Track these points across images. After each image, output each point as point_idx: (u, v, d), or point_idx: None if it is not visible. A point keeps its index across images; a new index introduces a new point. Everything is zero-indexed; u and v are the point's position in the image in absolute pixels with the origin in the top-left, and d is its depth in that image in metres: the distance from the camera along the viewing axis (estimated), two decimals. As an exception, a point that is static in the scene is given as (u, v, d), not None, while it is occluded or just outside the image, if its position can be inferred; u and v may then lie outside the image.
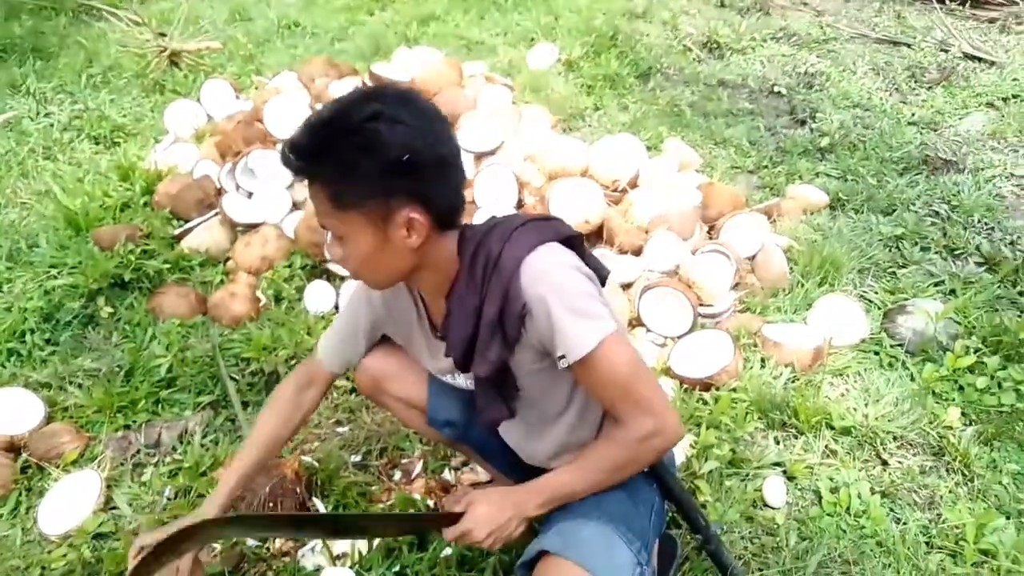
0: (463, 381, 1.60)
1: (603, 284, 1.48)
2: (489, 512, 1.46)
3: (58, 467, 2.19)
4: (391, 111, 1.24)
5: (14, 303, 2.60)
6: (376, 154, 1.24)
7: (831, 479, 2.10)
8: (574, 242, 1.44)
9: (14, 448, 2.23)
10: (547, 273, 1.34)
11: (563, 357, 1.34)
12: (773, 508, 2.03)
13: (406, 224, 1.30)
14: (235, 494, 1.69)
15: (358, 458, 2.27)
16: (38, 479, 2.18)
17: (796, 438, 2.24)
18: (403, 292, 1.58)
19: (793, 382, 2.38)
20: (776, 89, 4.45)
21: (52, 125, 3.65)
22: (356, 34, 4.80)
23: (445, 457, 2.25)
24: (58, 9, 5.00)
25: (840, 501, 2.01)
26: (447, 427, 1.83)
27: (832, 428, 2.24)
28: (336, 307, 2.79)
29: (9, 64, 4.18)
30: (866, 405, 2.32)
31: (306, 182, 1.32)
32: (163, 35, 4.24)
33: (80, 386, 2.42)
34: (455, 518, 1.47)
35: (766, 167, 3.71)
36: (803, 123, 4.13)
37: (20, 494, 2.14)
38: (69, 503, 2.09)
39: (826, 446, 2.20)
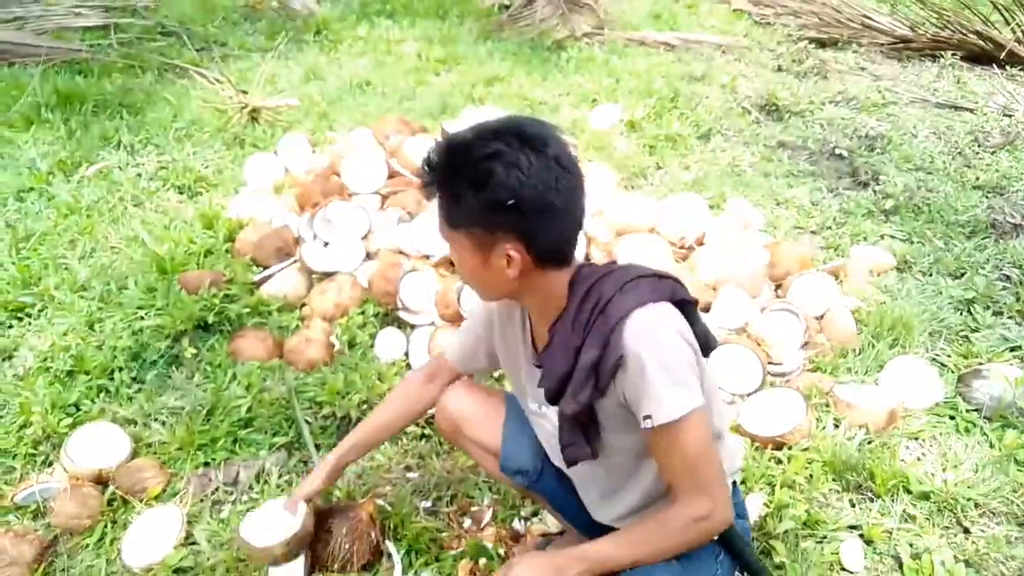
0: (551, 415, 1.61)
1: (707, 354, 1.50)
2: (529, 571, 1.45)
3: (142, 501, 2.26)
4: (511, 155, 1.31)
5: (105, 342, 2.72)
6: (482, 192, 1.32)
7: (911, 545, 2.05)
8: (687, 306, 1.46)
9: (102, 481, 2.32)
10: (651, 332, 1.36)
11: (648, 418, 1.36)
12: (851, 572, 1.99)
13: (505, 257, 1.37)
14: (346, 459, 1.94)
15: (428, 504, 2.30)
16: (123, 512, 2.25)
17: (872, 501, 2.21)
18: (516, 312, 1.64)
19: (867, 444, 2.35)
20: (837, 151, 4.48)
21: (140, 175, 3.86)
22: (424, 94, 4.99)
23: (514, 507, 2.27)
24: (145, 68, 5.31)
25: (923, 568, 1.97)
26: (518, 475, 1.86)
27: (909, 492, 2.20)
28: (407, 353, 2.86)
29: (102, 119, 4.45)
30: (944, 470, 2.28)
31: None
32: (244, 92, 4.48)
33: (164, 423, 2.51)
34: None
35: (829, 228, 3.72)
36: (865, 185, 4.14)
37: (106, 525, 2.21)
38: (151, 536, 2.15)
39: (904, 511, 2.16)
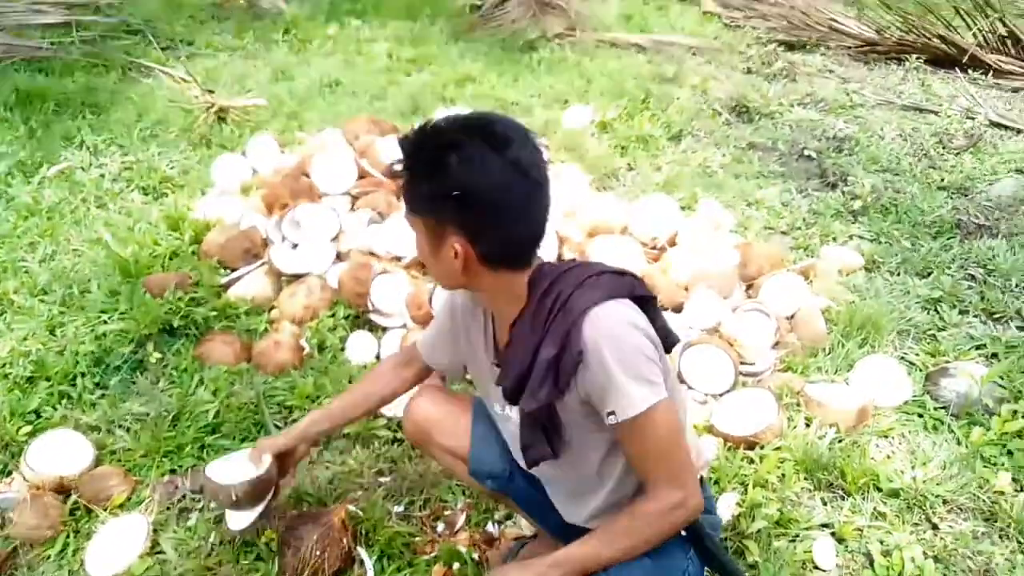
0: (515, 416, 1.58)
1: (669, 350, 1.49)
2: None
3: (106, 510, 2.20)
4: (469, 149, 1.30)
5: (66, 347, 2.65)
6: (434, 180, 1.32)
7: (881, 542, 2.07)
8: (647, 303, 1.45)
9: (64, 490, 2.25)
10: (611, 328, 1.36)
11: (612, 414, 1.36)
12: (824, 571, 2.01)
13: (452, 249, 1.37)
14: (316, 427, 1.93)
15: (401, 508, 2.27)
16: (86, 521, 2.19)
17: (843, 499, 2.23)
18: (479, 312, 1.62)
19: (838, 443, 2.37)
20: (806, 153, 4.53)
21: (104, 176, 3.77)
22: (395, 94, 4.95)
23: (488, 510, 2.25)
24: (109, 66, 5.20)
25: (893, 565, 1.99)
26: (489, 479, 1.84)
27: (880, 490, 2.23)
28: (378, 356, 2.82)
29: (64, 118, 4.34)
30: (913, 467, 2.30)
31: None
32: (211, 92, 4.40)
33: (128, 430, 2.45)
34: None
35: (799, 228, 3.75)
36: (834, 186, 4.18)
37: (68, 536, 2.15)
38: (116, 547, 2.10)
39: (875, 508, 2.18)
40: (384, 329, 2.92)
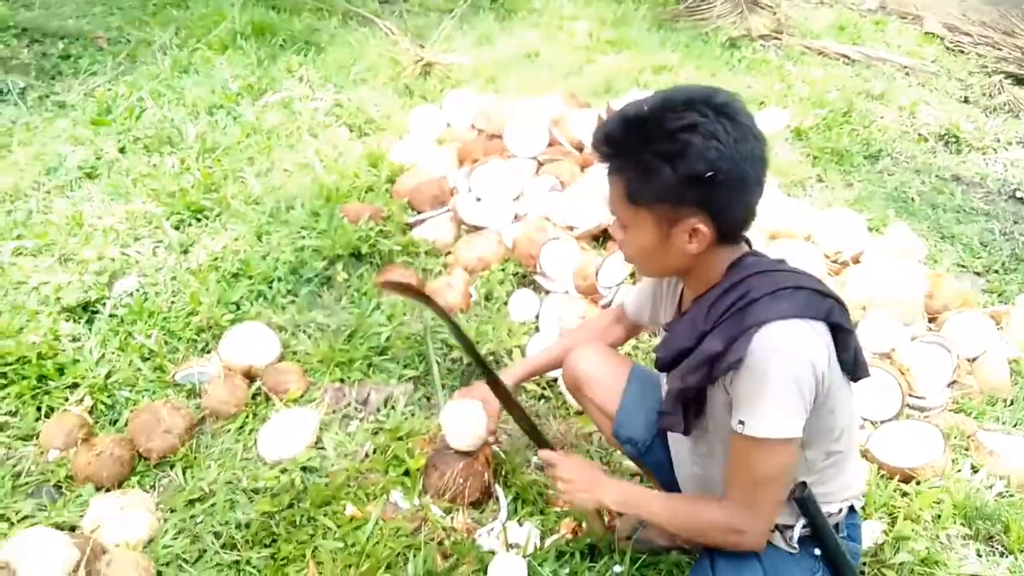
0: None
1: (856, 381, 1.46)
2: (580, 469, 1.69)
3: (282, 400, 2.44)
4: (709, 125, 1.27)
5: (269, 253, 2.93)
6: (681, 165, 1.28)
7: (1037, 608, 1.93)
8: (840, 330, 1.39)
9: (251, 376, 2.52)
10: (781, 350, 1.31)
11: (742, 423, 1.36)
12: (964, 620, 1.90)
13: (689, 231, 1.35)
14: (524, 375, 2.08)
15: (539, 460, 2.36)
16: (264, 407, 2.44)
17: (1003, 556, 2.09)
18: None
19: (1008, 496, 2.22)
20: (1018, 195, 4.17)
21: (317, 109, 4.10)
22: (590, 72, 5.01)
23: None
24: (332, 12, 5.62)
25: (1046, 634, 1.85)
26: (628, 444, 1.88)
27: (1047, 556, 2.07)
28: (537, 316, 2.92)
29: (288, 52, 4.75)
30: (1090, 542, 2.11)
31: (606, 167, 1.41)
32: (421, 46, 4.65)
33: (310, 336, 2.69)
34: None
35: (996, 272, 3.48)
36: (1045, 234, 3.84)
37: (247, 416, 2.41)
38: (286, 435, 2.32)
39: (1037, 572, 2.03)
40: (547, 292, 3.01)
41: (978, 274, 3.49)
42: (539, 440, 1.90)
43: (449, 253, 3.14)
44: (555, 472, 1.72)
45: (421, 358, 2.68)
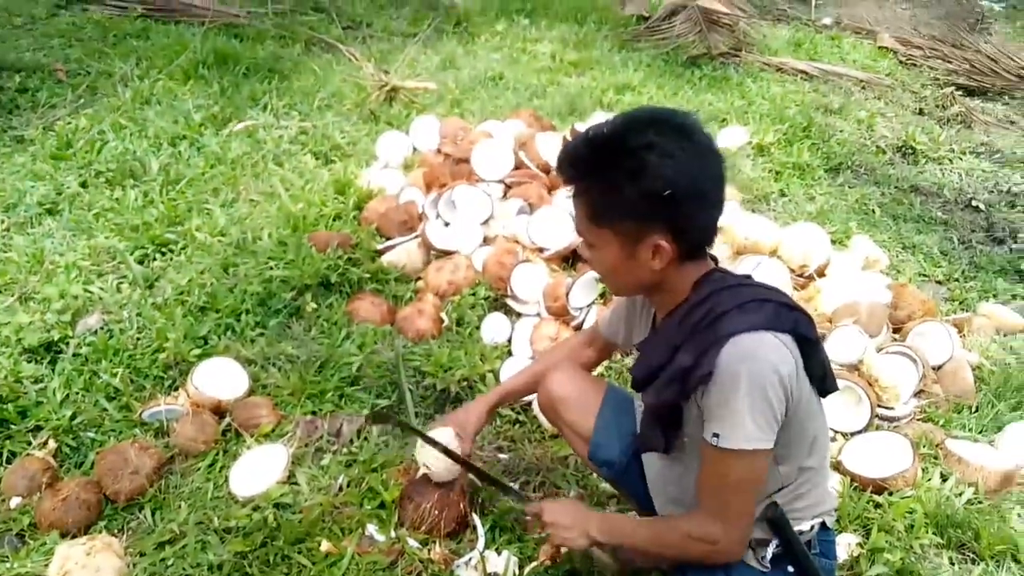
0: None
1: (824, 395, 1.48)
2: (563, 510, 1.70)
3: (253, 436, 2.40)
4: (666, 144, 1.31)
5: (236, 285, 2.90)
6: (640, 182, 1.32)
7: (1012, 614, 1.96)
8: (807, 342, 1.41)
9: (220, 412, 2.48)
10: (750, 361, 1.33)
11: (716, 436, 1.37)
12: (942, 629, 1.92)
13: (652, 248, 1.38)
14: (499, 401, 2.09)
15: (516, 486, 2.34)
16: (235, 443, 2.40)
17: (975, 563, 2.12)
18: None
19: (977, 503, 2.25)
20: (974, 203, 4.29)
21: (282, 137, 4.08)
22: (554, 93, 5.06)
23: (600, 503, 2.28)
24: (295, 39, 5.62)
25: (1023, 638, 1.87)
26: (604, 465, 1.89)
27: (1018, 561, 2.10)
28: (510, 340, 2.91)
29: (252, 81, 4.73)
30: (1059, 545, 2.15)
31: (571, 190, 1.44)
32: (386, 72, 4.66)
33: (280, 368, 2.66)
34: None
35: (956, 280, 3.57)
36: (1001, 241, 3.95)
37: (218, 453, 2.37)
38: (258, 470, 2.29)
39: (1008, 578, 2.06)
40: (518, 315, 3.01)
41: (940, 283, 3.57)
42: (509, 492, 1.99)
43: (419, 279, 3.14)
44: (543, 520, 1.72)
45: (394, 387, 2.66)
